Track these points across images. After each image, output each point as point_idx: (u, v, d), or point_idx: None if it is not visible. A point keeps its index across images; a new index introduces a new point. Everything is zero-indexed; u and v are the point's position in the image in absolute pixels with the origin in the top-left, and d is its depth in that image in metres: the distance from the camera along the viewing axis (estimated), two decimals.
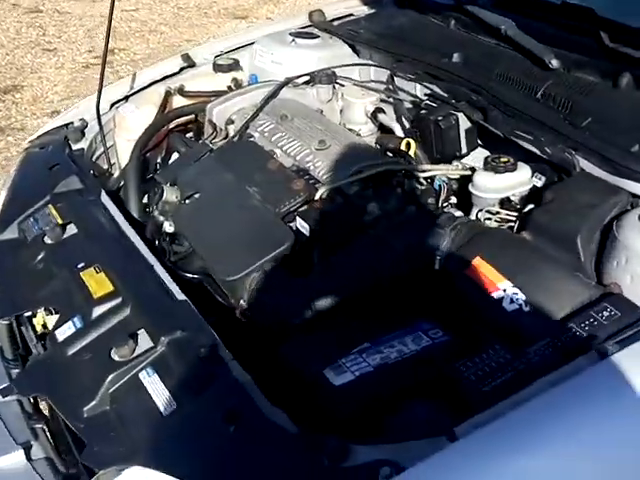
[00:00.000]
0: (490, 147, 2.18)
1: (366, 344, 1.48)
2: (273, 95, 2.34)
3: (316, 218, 1.79)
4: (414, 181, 1.98)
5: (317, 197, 1.87)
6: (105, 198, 2.11)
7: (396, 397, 1.37)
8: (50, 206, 2.11)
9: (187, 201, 2.00)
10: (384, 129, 2.45)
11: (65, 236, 1.98)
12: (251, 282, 1.71)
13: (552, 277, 1.51)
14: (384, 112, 2.43)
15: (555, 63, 2.07)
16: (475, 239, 1.62)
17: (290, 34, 2.67)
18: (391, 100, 2.47)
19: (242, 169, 2.02)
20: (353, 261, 1.65)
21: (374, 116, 2.43)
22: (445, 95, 2.22)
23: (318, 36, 2.66)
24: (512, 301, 1.49)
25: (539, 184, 1.94)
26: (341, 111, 2.48)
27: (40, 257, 1.94)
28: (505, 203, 1.89)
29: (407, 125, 2.30)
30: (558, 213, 1.64)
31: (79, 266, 1.86)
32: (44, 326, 1.89)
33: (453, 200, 1.99)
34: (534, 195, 1.90)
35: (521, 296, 1.49)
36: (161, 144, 2.36)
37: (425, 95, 2.30)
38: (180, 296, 1.70)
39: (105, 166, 2.39)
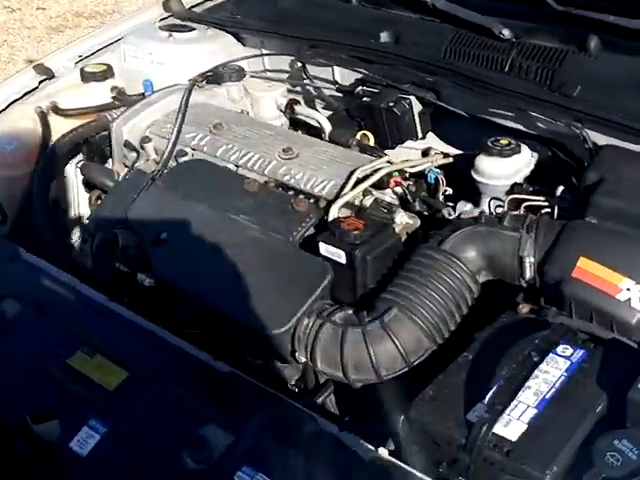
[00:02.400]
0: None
1: (498, 384, 1.25)
2: (187, 102, 1.96)
3: (352, 242, 1.49)
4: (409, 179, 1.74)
5: (332, 216, 1.58)
6: (27, 256, 1.65)
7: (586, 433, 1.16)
8: None
9: (155, 244, 1.60)
10: (296, 122, 2.18)
11: (8, 317, 1.50)
12: (309, 331, 1.40)
13: None
14: (299, 103, 2.16)
15: (507, 33, 1.93)
16: (564, 237, 1.43)
17: (161, 28, 2.28)
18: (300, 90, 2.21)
19: (213, 196, 1.66)
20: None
21: (290, 109, 2.14)
22: (385, 79, 1.99)
23: (194, 28, 2.29)
24: None
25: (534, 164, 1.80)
26: None
27: None
28: (516, 187, 1.73)
29: (344, 115, 2.05)
30: (623, 194, 1.50)
31: (58, 354, 1.41)
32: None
33: (449, 191, 1.79)
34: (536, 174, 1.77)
35: None
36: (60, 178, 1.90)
37: (357, 80, 2.05)
38: (225, 368, 1.35)
39: None
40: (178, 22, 2.36)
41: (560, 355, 1.31)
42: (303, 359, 1.42)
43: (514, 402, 1.21)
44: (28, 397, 1.39)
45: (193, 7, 2.49)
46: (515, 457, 1.14)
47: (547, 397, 1.24)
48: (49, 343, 1.44)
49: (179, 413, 1.28)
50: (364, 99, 1.98)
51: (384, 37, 2.06)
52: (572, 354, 1.31)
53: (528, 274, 1.43)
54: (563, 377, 1.27)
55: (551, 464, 1.12)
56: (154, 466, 1.24)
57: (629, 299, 1.34)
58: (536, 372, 1.27)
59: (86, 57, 2.24)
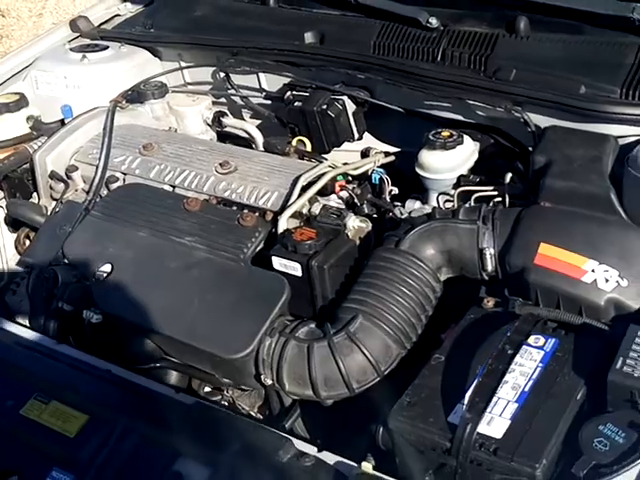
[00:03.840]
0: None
1: (475, 382, 1.26)
2: (112, 124, 1.94)
3: (305, 252, 1.50)
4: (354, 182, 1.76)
5: (282, 228, 1.58)
6: None
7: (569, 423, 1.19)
8: None
9: (98, 277, 1.57)
10: (224, 136, 2.17)
11: None
12: (273, 351, 1.39)
13: (631, 243, 1.40)
14: (227, 115, 2.15)
15: (434, 22, 1.96)
16: (522, 225, 1.46)
17: (72, 50, 2.25)
18: (225, 101, 2.21)
19: (153, 220, 1.64)
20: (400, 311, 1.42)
21: (218, 122, 2.13)
22: (314, 82, 2.00)
23: (107, 46, 2.27)
24: (607, 280, 1.36)
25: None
26: None
27: None
28: (463, 179, 1.76)
29: (275, 122, 2.05)
30: (573, 173, 1.54)
31: (8, 405, 1.38)
32: None
33: (395, 190, 1.81)
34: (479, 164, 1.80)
35: (613, 272, 1.37)
36: None
37: (285, 85, 2.06)
38: (189, 399, 1.34)
39: None
40: (89, 42, 2.32)
41: (533, 346, 1.34)
42: (269, 381, 1.42)
43: (494, 399, 1.22)
44: None
45: (102, 24, 2.45)
46: (503, 455, 1.16)
47: (526, 390, 1.26)
48: (3, 393, 1.40)
49: (149, 451, 1.26)
50: (295, 104, 1.98)
51: (308, 38, 2.07)
52: (544, 344, 1.34)
53: (490, 266, 1.45)
54: (539, 368, 1.30)
55: (541, 457, 1.14)
56: None
57: (595, 280, 1.37)
58: (512, 366, 1.28)
59: None
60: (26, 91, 2.19)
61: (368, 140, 2.06)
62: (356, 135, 2.01)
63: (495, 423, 1.21)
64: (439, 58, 1.91)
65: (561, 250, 1.40)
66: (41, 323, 1.61)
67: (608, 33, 1.82)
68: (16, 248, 1.99)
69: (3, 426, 1.36)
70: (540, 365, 1.30)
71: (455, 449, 1.17)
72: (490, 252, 1.45)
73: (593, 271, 1.38)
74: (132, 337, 1.53)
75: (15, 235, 2.03)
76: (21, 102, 2.12)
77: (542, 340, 1.35)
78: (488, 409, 1.20)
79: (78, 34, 2.41)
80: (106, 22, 2.49)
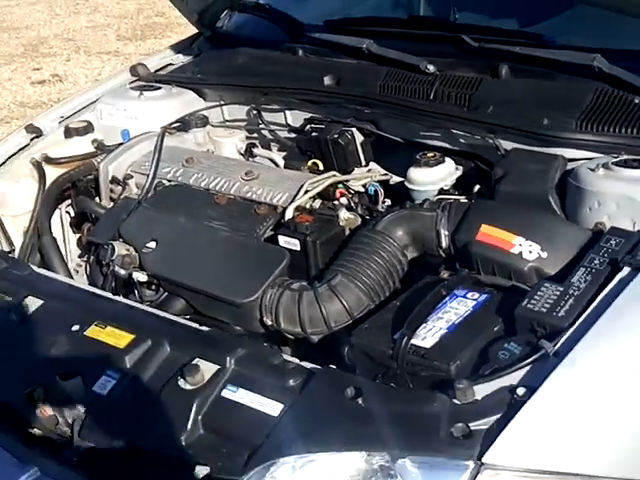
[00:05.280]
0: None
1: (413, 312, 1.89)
2: (161, 144, 2.66)
3: (303, 232, 2.17)
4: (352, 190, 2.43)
5: (288, 216, 2.26)
6: (38, 269, 2.32)
7: (484, 344, 1.81)
8: None
9: (146, 250, 2.27)
10: None
11: (32, 309, 2.15)
12: (273, 299, 2.06)
13: (553, 227, 2.04)
14: (257, 146, 2.86)
15: (431, 68, 2.63)
16: (470, 212, 2.11)
17: (132, 89, 3.00)
18: (256, 135, 2.91)
19: (190, 210, 2.35)
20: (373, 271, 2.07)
21: (249, 152, 2.84)
22: (329, 116, 2.69)
23: (160, 87, 3.01)
24: (530, 251, 2.00)
25: (459, 174, 2.49)
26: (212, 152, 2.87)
27: (17, 334, 2.10)
28: (443, 193, 2.41)
29: (296, 151, 2.74)
30: (521, 181, 2.19)
31: (74, 329, 2.05)
32: (45, 400, 2.04)
33: (388, 202, 2.47)
34: (461, 183, 2.45)
35: (535, 246, 2.00)
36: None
37: (305, 120, 2.75)
38: (203, 328, 2.01)
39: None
40: (144, 84, 3.08)
41: (468, 298, 1.97)
42: (269, 322, 2.08)
43: (428, 323, 1.86)
44: (57, 363, 2.00)
45: (157, 71, 3.22)
46: (429, 357, 1.78)
47: (455, 323, 1.89)
48: (69, 323, 2.07)
49: (175, 353, 1.92)
50: (312, 134, 2.67)
51: (327, 80, 2.76)
52: (478, 297, 1.97)
53: (444, 244, 2.10)
54: (469, 311, 1.93)
55: (454, 359, 1.77)
56: (158, 392, 1.86)
57: (521, 252, 2.01)
58: (447, 308, 1.92)
59: (68, 117, 2.94)
60: (92, 120, 2.94)
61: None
62: (363, 162, 2.68)
63: (426, 339, 1.83)
64: (432, 97, 2.57)
65: (497, 229, 2.04)
66: (100, 283, 2.30)
67: (574, 78, 2.42)
68: (79, 242, 2.70)
69: (71, 343, 2.02)
70: (470, 309, 1.93)
71: (395, 355, 1.81)
72: (444, 233, 2.10)
73: (520, 245, 2.01)
74: (159, 296, 2.21)
75: (77, 235, 2.75)
76: (88, 128, 2.86)
77: (477, 295, 1.97)
78: (421, 329, 1.84)
79: (136, 77, 3.17)
80: (160, 69, 3.25)
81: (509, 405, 1.59)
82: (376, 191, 2.45)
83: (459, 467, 1.55)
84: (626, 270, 1.81)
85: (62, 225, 2.76)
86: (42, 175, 2.65)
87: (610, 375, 1.65)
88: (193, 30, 3.28)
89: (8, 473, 1.93)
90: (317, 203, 2.31)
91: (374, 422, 1.63)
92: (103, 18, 10.42)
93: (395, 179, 2.59)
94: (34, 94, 7.53)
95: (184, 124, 2.81)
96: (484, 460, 1.53)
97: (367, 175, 2.50)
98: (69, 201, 2.75)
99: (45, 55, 8.74)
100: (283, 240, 2.19)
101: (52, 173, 2.69)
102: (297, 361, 1.86)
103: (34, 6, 11.02)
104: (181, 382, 1.82)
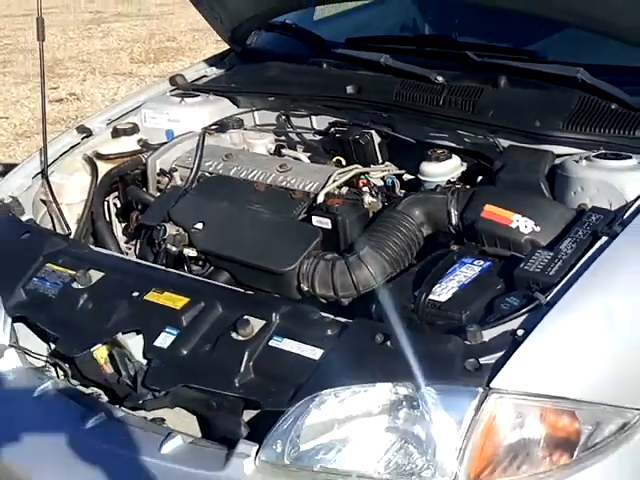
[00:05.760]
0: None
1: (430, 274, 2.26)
2: (203, 142, 3.03)
3: (334, 212, 2.53)
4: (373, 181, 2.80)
5: (320, 200, 2.62)
6: (96, 248, 2.68)
7: (489, 298, 2.17)
8: (49, 264, 2.61)
9: (194, 230, 2.63)
10: None
11: (94, 280, 2.50)
12: (309, 268, 2.42)
13: (545, 205, 2.41)
14: (285, 147, 3.22)
15: (440, 79, 3.00)
16: (475, 195, 2.48)
17: (173, 95, 3.37)
18: (284, 137, 3.28)
19: (233, 196, 2.70)
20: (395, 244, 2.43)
21: (278, 152, 3.20)
22: (351, 120, 3.06)
23: (198, 95, 3.38)
24: (526, 226, 2.36)
25: (464, 168, 2.85)
26: None
27: (82, 300, 2.44)
28: (450, 183, 2.77)
29: (321, 151, 3.11)
30: (518, 171, 2.56)
31: (134, 295, 2.40)
32: (109, 356, 2.39)
33: (403, 192, 2.83)
34: (466, 176, 2.82)
35: (530, 222, 2.36)
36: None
37: (330, 124, 3.12)
38: (248, 291, 2.36)
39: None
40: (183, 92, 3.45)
41: (475, 265, 2.33)
42: (306, 288, 2.43)
43: (443, 284, 2.22)
44: (121, 323, 2.35)
45: (193, 81, 3.59)
46: (444, 309, 2.15)
47: (465, 283, 2.25)
48: (129, 290, 2.42)
49: (226, 313, 2.26)
50: (336, 135, 3.04)
51: (349, 89, 3.11)
52: (483, 264, 2.33)
53: (454, 221, 2.47)
54: (476, 274, 2.29)
55: (465, 309, 2.13)
56: (214, 344, 2.20)
57: (518, 227, 2.37)
58: (457, 272, 2.28)
59: (115, 120, 3.31)
60: (137, 122, 3.30)
61: None
62: (380, 160, 3.04)
63: (441, 295, 2.19)
64: (441, 103, 2.92)
65: (498, 208, 2.40)
66: (153, 260, 2.65)
67: (561, 88, 2.81)
68: (124, 230, 3.05)
69: (132, 306, 2.37)
70: (477, 273, 2.29)
71: (416, 308, 2.17)
72: (454, 212, 2.47)
73: (517, 221, 2.37)
74: (206, 270, 2.57)
75: (123, 224, 3.10)
76: (134, 129, 3.22)
77: (482, 262, 2.33)
78: (436, 287, 2.20)
79: (175, 87, 3.53)
80: (196, 80, 3.62)
81: (511, 344, 1.95)
82: (393, 182, 2.81)
83: (471, 393, 1.91)
84: (604, 239, 2.18)
85: (109, 215, 3.10)
86: (94, 169, 3.00)
87: (590, 319, 2.02)
88: (205, 53, 3.68)
89: (76, 419, 2.25)
90: (344, 190, 2.65)
91: (400, 360, 1.97)
92: (116, 42, 10.84)
93: (407, 176, 2.93)
94: (52, 111, 7.88)
95: (222, 126, 3.16)
96: (491, 386, 1.89)
97: (385, 169, 2.85)
98: (116, 193, 3.08)
99: (61, 75, 9.13)
100: (316, 220, 2.54)
101: (103, 167, 3.04)
102: (332, 316, 2.20)
103: (48, 30, 11.29)
104: (234, 335, 2.16)
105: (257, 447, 1.97)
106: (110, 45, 10.86)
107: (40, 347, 2.58)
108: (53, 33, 11.27)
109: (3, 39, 11.49)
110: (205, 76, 3.64)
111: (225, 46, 3.76)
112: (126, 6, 13.56)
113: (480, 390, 1.90)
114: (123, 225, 3.11)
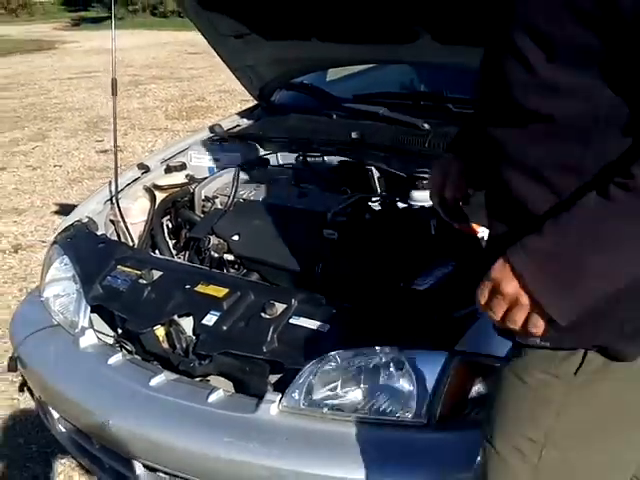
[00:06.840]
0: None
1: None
2: (238, 176, 3.71)
3: (341, 226, 3.20)
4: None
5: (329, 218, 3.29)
6: (154, 254, 3.36)
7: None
8: (119, 266, 3.28)
9: (232, 240, 3.30)
10: None
11: (155, 277, 3.16)
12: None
13: None
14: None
15: (426, 126, 3.68)
16: None
17: (213, 141, 4.08)
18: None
19: (261, 215, 3.38)
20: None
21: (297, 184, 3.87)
22: (355, 159, 3.73)
23: (233, 140, 4.08)
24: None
25: None
26: None
27: (147, 292, 3.10)
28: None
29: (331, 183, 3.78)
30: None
31: (187, 287, 3.06)
32: (167, 333, 3.04)
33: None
34: None
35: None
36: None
37: (339, 162, 3.80)
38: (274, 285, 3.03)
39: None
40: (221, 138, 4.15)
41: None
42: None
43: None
44: (176, 308, 3.00)
45: (228, 130, 4.30)
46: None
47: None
48: (183, 283, 3.08)
49: (257, 298, 2.90)
50: (343, 171, 3.71)
51: (354, 135, 3.79)
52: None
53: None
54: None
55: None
56: (247, 321, 2.84)
57: (483, 236, 3.04)
58: None
59: (167, 159, 4.01)
60: (185, 162, 4.00)
61: None
62: (378, 190, 3.70)
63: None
64: (427, 145, 3.60)
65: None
66: (199, 264, 3.33)
67: None
68: (175, 246, 3.72)
69: (185, 295, 3.02)
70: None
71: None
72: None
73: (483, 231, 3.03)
74: (247, 268, 3.24)
75: (174, 241, 3.78)
76: (183, 166, 3.92)
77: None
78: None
79: (213, 134, 4.24)
80: (231, 129, 4.33)
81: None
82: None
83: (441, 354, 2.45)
84: None
85: (163, 233, 3.78)
86: (153, 196, 3.69)
87: None
88: (231, 111, 4.42)
89: (144, 378, 2.86)
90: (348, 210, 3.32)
91: (388, 329, 2.60)
92: (152, 101, 11.67)
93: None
94: (99, 160, 8.66)
95: (251, 164, 3.85)
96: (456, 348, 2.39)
97: (381, 195, 3.51)
98: (168, 216, 3.77)
99: (105, 130, 9.90)
100: (326, 232, 3.19)
101: (159, 196, 3.72)
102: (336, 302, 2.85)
103: (92, 91, 12.31)
104: (262, 314, 2.72)
105: (280, 396, 2.44)
106: (147, 104, 11.69)
107: (108, 331, 3.22)
108: (96, 94, 12.10)
109: (53, 99, 12.44)
110: (238, 125, 4.35)
111: (249, 104, 4.49)
112: (160, 70, 14.48)
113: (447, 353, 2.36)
114: (174, 242, 3.77)
